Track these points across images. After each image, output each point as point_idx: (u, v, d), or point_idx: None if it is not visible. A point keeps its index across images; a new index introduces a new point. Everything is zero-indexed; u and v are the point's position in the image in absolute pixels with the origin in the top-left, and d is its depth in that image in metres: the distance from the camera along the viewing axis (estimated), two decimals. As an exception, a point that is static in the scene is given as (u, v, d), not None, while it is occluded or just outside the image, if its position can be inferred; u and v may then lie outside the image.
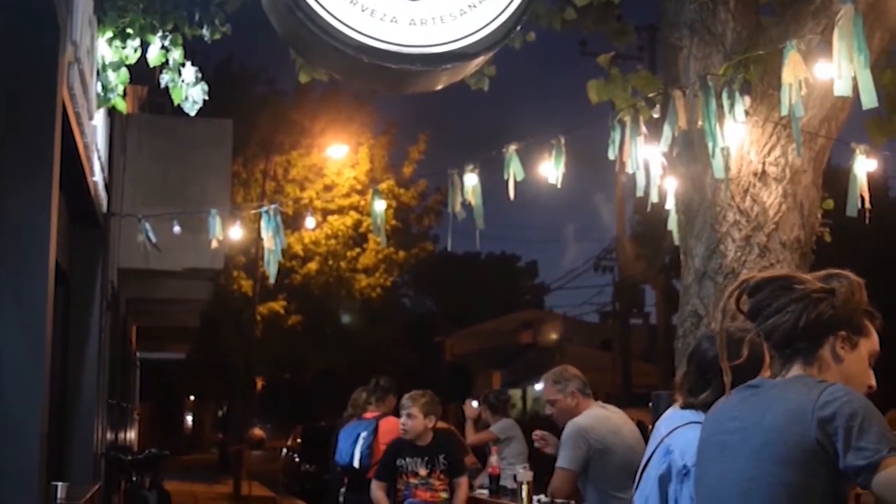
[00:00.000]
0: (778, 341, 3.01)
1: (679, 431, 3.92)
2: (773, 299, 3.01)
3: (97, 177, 8.29)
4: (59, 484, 5.59)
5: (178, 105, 6.91)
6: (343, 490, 8.77)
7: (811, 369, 2.95)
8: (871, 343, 3.05)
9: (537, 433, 7.41)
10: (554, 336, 49.01)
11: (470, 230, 7.35)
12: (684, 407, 4.01)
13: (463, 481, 7.75)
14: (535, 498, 7.00)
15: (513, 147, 7.00)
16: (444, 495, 7.69)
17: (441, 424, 8.54)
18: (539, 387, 30.61)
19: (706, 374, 3.96)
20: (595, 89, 7.59)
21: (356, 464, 8.48)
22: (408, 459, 7.72)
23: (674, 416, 4.05)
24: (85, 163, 7.06)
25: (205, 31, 6.73)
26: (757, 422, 2.92)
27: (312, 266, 24.81)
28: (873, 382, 3.05)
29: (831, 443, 2.73)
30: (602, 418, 6.90)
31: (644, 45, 28.05)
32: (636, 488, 4.11)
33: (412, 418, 7.73)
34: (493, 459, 8.13)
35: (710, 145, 5.77)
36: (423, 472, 7.71)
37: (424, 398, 7.78)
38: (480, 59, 5.96)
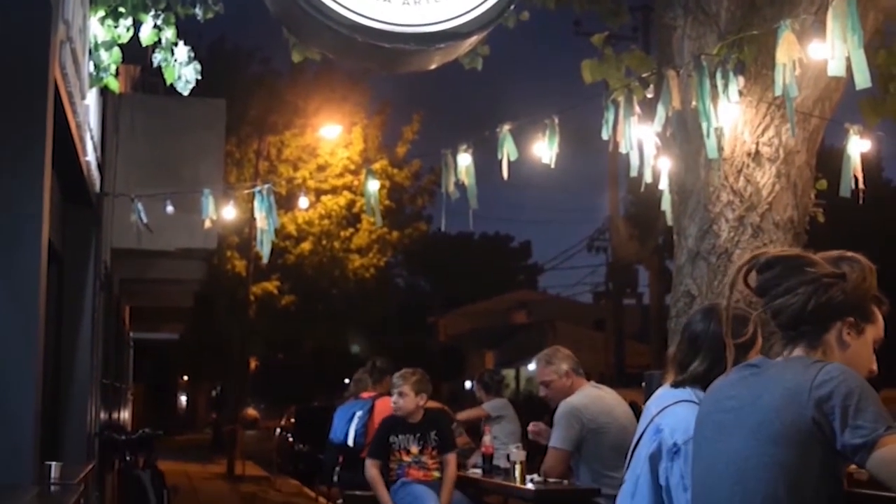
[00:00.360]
0: (784, 322, 3.00)
1: (669, 410, 3.94)
2: (783, 279, 3.00)
3: (90, 156, 8.27)
4: (53, 464, 5.58)
5: (171, 85, 6.88)
6: (337, 469, 8.81)
7: (815, 353, 2.94)
8: (877, 330, 3.04)
9: (532, 427, 7.42)
10: (547, 316, 49.06)
11: (463, 210, 7.35)
12: (674, 385, 4.03)
13: (451, 458, 7.81)
14: (528, 477, 7.02)
15: (506, 127, 6.99)
16: (436, 474, 7.75)
17: (434, 404, 8.59)
18: (532, 367, 30.67)
19: (696, 345, 3.99)
20: (589, 69, 7.57)
21: (350, 442, 8.54)
22: (400, 437, 7.78)
23: (664, 395, 4.07)
24: (77, 142, 7.03)
25: (197, 10, 6.70)
26: (754, 401, 2.92)
27: (306, 246, 24.79)
28: (875, 367, 3.05)
29: (828, 421, 2.73)
30: (595, 398, 6.94)
31: (638, 25, 28.00)
32: (627, 467, 4.13)
33: (403, 396, 7.80)
34: (487, 439, 8.16)
35: (703, 125, 5.77)
36: (414, 449, 7.77)
37: (415, 376, 7.86)
38: (474, 39, 5.96)
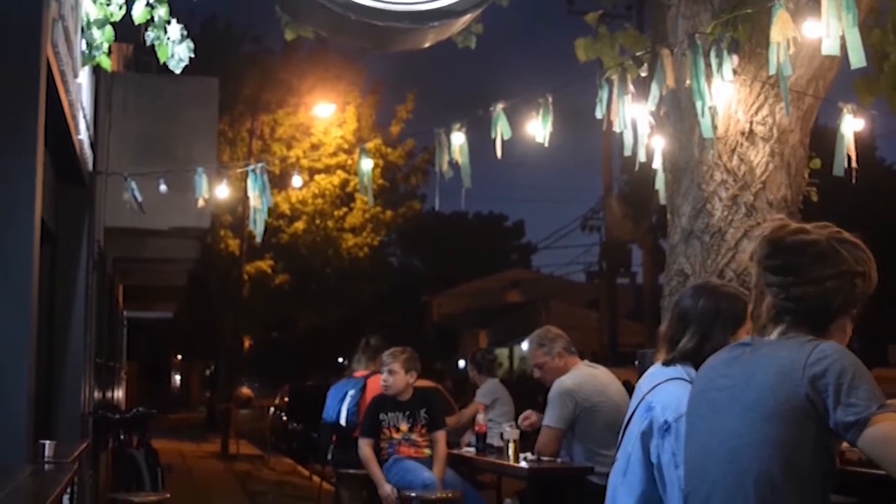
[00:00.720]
0: (800, 309, 2.98)
1: (660, 387, 3.95)
2: (808, 265, 2.96)
3: (83, 135, 8.24)
4: (47, 442, 5.58)
5: (164, 63, 6.85)
6: (331, 448, 8.82)
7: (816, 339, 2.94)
8: None
9: (525, 423, 7.40)
10: (540, 296, 49.13)
11: (457, 189, 7.34)
12: (666, 363, 4.04)
13: (441, 435, 7.86)
14: (521, 456, 7.04)
15: (500, 105, 6.97)
16: (427, 451, 7.80)
17: (426, 383, 8.61)
18: (525, 346, 30.73)
19: (685, 322, 4.00)
20: (583, 48, 7.55)
21: (342, 421, 8.55)
22: (389, 414, 7.84)
23: (655, 373, 4.08)
24: (70, 121, 7.01)
25: (190, -12, 6.67)
26: (748, 379, 2.93)
27: (299, 225, 24.76)
28: None
29: (821, 399, 2.74)
30: (589, 377, 6.96)
31: (632, 3, 27.99)
32: (619, 445, 4.14)
33: (393, 374, 7.86)
34: (480, 417, 8.18)
35: (697, 104, 5.76)
36: (404, 426, 7.82)
37: (405, 354, 7.93)
38: (468, 17, 5.94)
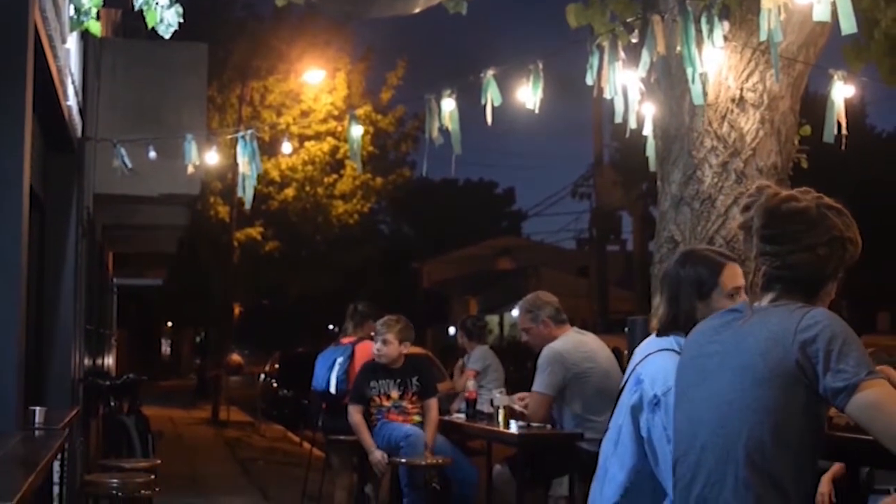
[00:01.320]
0: (793, 276, 2.99)
1: (649, 359, 3.96)
2: (802, 233, 2.97)
3: (71, 101, 8.20)
4: (38, 409, 5.59)
5: (153, 28, 6.80)
6: (321, 414, 8.84)
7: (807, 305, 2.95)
8: None
9: (520, 403, 7.38)
10: (531, 263, 49.16)
11: (447, 156, 7.32)
12: (659, 334, 4.05)
13: (432, 403, 7.88)
14: (511, 422, 7.06)
15: (490, 72, 6.94)
16: (417, 418, 7.82)
17: (418, 350, 8.61)
18: (516, 313, 30.75)
19: (661, 289, 4.01)
20: (574, 14, 7.52)
21: (332, 389, 8.56)
22: (381, 381, 7.85)
23: (649, 343, 4.09)
24: (58, 87, 6.97)
25: (179, -47, 6.60)
26: (738, 345, 2.94)
27: (289, 192, 24.71)
28: None
29: (811, 365, 2.75)
30: (578, 343, 6.98)
31: (623, -31, 27.79)
32: (612, 415, 4.16)
33: (388, 344, 7.84)
34: (471, 384, 8.19)
35: (688, 71, 5.75)
36: (395, 394, 7.83)
37: (399, 324, 7.90)
38: (458, -17, 5.90)
